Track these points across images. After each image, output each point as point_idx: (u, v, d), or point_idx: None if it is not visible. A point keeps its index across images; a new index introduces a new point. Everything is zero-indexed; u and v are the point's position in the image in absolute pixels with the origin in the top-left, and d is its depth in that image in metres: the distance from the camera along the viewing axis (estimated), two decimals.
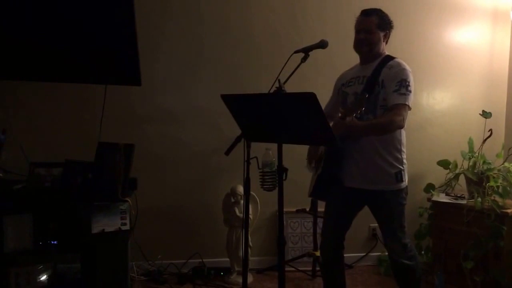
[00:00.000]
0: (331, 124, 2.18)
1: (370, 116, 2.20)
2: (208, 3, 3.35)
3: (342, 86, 2.44)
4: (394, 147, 2.25)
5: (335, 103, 2.50)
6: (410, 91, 2.16)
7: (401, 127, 2.19)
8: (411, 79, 2.19)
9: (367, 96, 2.04)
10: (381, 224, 2.35)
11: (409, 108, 2.17)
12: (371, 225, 3.50)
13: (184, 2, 3.33)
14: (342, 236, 2.45)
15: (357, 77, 2.34)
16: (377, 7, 2.36)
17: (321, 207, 3.27)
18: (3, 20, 2.50)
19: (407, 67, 2.21)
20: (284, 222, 3.34)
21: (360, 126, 2.11)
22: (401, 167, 2.26)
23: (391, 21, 2.33)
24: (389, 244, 2.33)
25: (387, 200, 2.26)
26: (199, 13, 3.35)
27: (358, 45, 2.34)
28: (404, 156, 2.29)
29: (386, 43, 2.35)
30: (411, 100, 2.17)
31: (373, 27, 2.27)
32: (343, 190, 2.33)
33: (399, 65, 2.22)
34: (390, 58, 2.29)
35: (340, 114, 2.10)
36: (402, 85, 2.15)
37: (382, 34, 2.30)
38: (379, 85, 2.21)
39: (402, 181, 2.26)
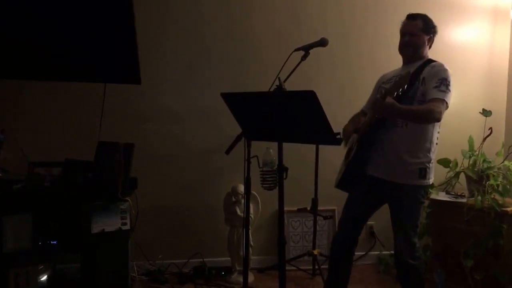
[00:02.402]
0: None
1: None
2: (209, 2, 3.35)
3: (382, 84, 2.48)
4: (424, 146, 2.28)
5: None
6: (449, 90, 2.21)
7: (438, 119, 2.21)
8: (451, 80, 2.23)
9: (410, 73, 2.07)
10: (395, 219, 2.35)
11: (447, 106, 2.21)
12: (368, 223, 3.49)
13: (185, 0, 3.33)
14: (358, 230, 2.46)
15: (398, 75, 2.35)
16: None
17: (321, 206, 3.28)
18: (3, 20, 2.50)
19: (449, 69, 2.27)
20: (285, 221, 3.38)
21: (398, 108, 2.12)
22: (427, 164, 2.27)
23: (435, 26, 2.41)
24: (398, 241, 2.32)
25: (405, 195, 2.27)
26: (200, 12, 3.35)
27: (403, 47, 2.40)
28: (433, 156, 2.31)
29: (430, 47, 2.41)
30: (450, 100, 2.21)
31: (417, 30, 2.35)
32: (366, 181, 2.36)
33: (441, 65, 2.28)
34: (433, 60, 2.34)
35: (381, 94, 2.13)
36: (443, 83, 2.20)
37: (426, 38, 2.37)
38: (420, 82, 2.26)
39: (425, 178, 2.27)
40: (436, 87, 2.20)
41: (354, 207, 2.44)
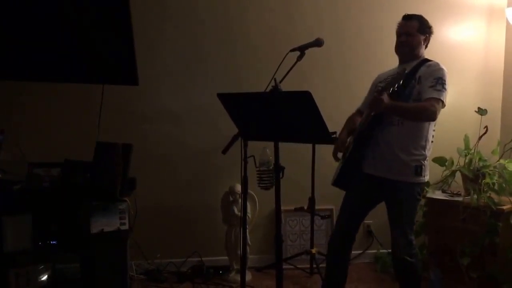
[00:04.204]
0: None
1: None
2: (205, 2, 3.37)
3: (378, 83, 2.49)
4: (420, 144, 2.31)
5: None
6: (445, 89, 2.24)
7: (434, 118, 2.25)
8: (447, 79, 2.26)
9: (405, 71, 2.12)
10: (392, 216, 2.38)
11: (443, 105, 2.24)
12: (365, 221, 3.51)
13: (182, 1, 3.35)
14: (355, 227, 2.49)
15: (394, 74, 2.38)
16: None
17: (319, 205, 3.30)
18: (2, 20, 2.51)
19: (445, 68, 2.30)
20: (282, 220, 3.39)
21: (395, 105, 2.17)
22: (422, 161, 2.30)
23: (431, 26, 2.44)
24: (395, 238, 2.35)
25: (402, 192, 2.30)
26: (196, 12, 3.36)
27: (399, 47, 2.43)
28: (428, 153, 2.34)
29: (426, 47, 2.44)
30: (446, 99, 2.24)
31: (413, 30, 2.37)
32: (362, 179, 2.39)
33: (437, 64, 2.31)
34: (429, 60, 2.37)
35: (377, 92, 2.15)
36: (439, 82, 2.23)
37: (422, 38, 2.40)
38: (416, 80, 2.29)
39: (421, 175, 2.30)
40: (432, 86, 2.22)
41: (351, 205, 2.47)
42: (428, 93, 2.23)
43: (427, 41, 2.43)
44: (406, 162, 2.28)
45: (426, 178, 2.35)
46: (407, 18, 2.42)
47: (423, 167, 2.30)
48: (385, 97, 2.09)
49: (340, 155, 2.53)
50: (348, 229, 2.48)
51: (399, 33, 2.43)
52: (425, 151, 2.32)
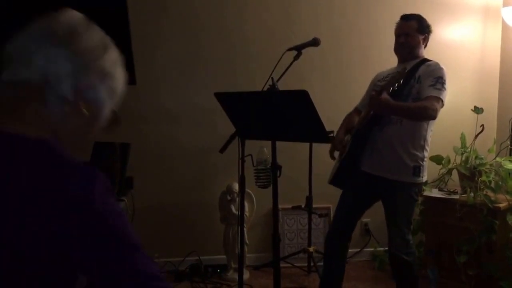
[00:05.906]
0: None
1: None
2: (203, 3, 3.37)
3: (377, 82, 2.49)
4: (418, 143, 2.31)
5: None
6: (445, 89, 2.23)
7: (433, 117, 2.23)
8: (447, 78, 2.26)
9: (406, 71, 2.11)
10: (389, 215, 2.38)
11: (442, 104, 2.23)
12: (363, 220, 3.52)
13: (180, 1, 3.35)
14: (352, 225, 2.48)
15: (393, 73, 2.38)
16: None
17: (316, 203, 3.31)
18: (2, 20, 2.51)
19: (444, 68, 2.29)
20: (280, 219, 3.40)
21: (394, 104, 2.14)
22: (420, 162, 2.30)
23: (430, 25, 2.43)
24: (392, 237, 2.35)
25: (399, 192, 2.31)
26: (194, 12, 3.36)
27: (399, 48, 2.42)
28: (426, 154, 2.34)
29: (425, 46, 2.44)
30: (445, 98, 2.24)
31: (412, 31, 2.37)
32: (359, 177, 2.38)
33: (437, 64, 2.31)
34: (428, 60, 2.37)
35: (376, 91, 2.14)
36: (439, 81, 2.23)
37: (421, 38, 2.39)
38: (415, 80, 2.28)
39: (419, 176, 2.30)
40: (431, 85, 2.22)
41: (348, 203, 2.46)
42: (427, 91, 2.22)
43: (426, 40, 2.43)
44: (404, 162, 2.28)
45: (424, 178, 2.35)
46: (406, 18, 2.40)
47: (421, 167, 2.30)
48: (385, 96, 2.07)
49: (337, 154, 2.54)
50: (344, 228, 2.48)
51: (398, 34, 2.41)
52: (423, 152, 2.31)
